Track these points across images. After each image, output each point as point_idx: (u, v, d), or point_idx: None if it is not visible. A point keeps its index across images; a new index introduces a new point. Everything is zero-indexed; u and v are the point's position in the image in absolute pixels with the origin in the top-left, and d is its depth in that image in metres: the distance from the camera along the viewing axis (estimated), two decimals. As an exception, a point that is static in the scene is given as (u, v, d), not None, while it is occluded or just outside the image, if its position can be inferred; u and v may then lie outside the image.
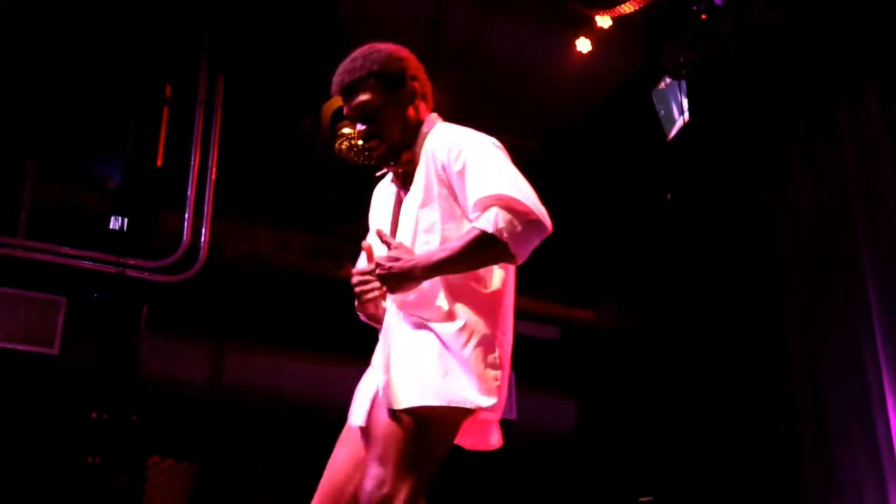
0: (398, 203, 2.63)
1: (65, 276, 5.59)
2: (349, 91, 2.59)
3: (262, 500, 6.41)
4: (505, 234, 2.31)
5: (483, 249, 2.35)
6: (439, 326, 2.42)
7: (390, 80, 2.58)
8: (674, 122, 6.09)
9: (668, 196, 6.64)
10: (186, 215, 5.88)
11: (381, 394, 2.43)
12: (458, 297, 2.45)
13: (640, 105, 6.47)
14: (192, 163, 6.02)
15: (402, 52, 2.65)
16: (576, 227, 6.22)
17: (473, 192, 2.40)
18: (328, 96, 6.82)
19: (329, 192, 6.94)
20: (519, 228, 2.33)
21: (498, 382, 2.42)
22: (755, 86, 6.07)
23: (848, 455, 5.46)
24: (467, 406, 2.34)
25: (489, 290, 2.49)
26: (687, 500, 6.28)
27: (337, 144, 7.10)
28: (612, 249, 7.36)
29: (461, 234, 2.42)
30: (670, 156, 6.47)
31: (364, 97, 2.57)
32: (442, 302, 2.44)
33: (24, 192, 5.67)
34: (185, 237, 5.85)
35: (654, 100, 6.23)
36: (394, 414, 2.35)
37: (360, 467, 2.43)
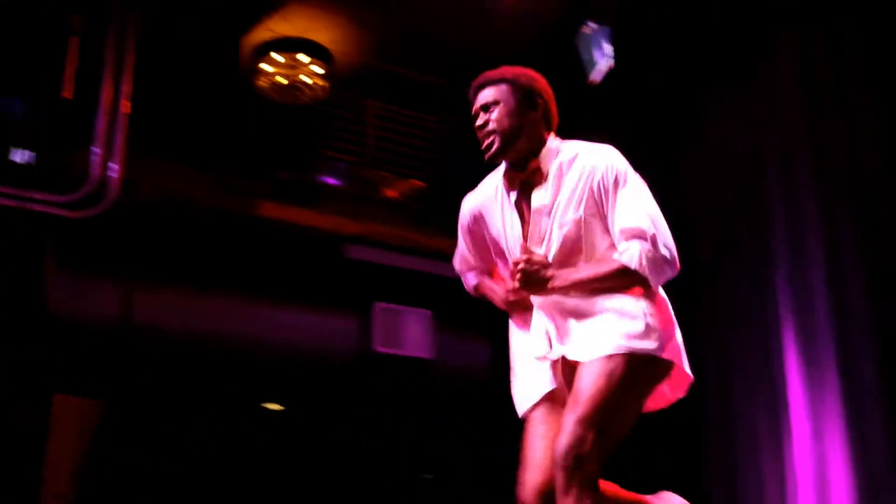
0: (527, 210, 2.76)
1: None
2: (482, 89, 2.85)
3: (172, 438, 6.37)
4: (646, 272, 2.59)
5: (622, 278, 2.62)
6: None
7: (520, 90, 2.83)
8: (596, 66, 6.08)
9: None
10: (95, 149, 5.71)
11: (573, 353, 2.65)
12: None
13: (565, 50, 6.43)
14: (102, 95, 5.84)
15: (540, 76, 2.92)
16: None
17: (622, 218, 2.63)
18: (247, 31, 6.73)
19: (246, 130, 6.80)
20: (659, 267, 2.60)
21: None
22: (676, 34, 6.09)
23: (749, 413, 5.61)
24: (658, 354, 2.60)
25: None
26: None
27: (256, 81, 6.93)
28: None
29: (601, 246, 2.67)
30: (592, 101, 6.47)
31: (491, 91, 2.84)
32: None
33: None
34: (94, 172, 5.69)
35: (577, 44, 6.21)
36: (596, 363, 2.56)
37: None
